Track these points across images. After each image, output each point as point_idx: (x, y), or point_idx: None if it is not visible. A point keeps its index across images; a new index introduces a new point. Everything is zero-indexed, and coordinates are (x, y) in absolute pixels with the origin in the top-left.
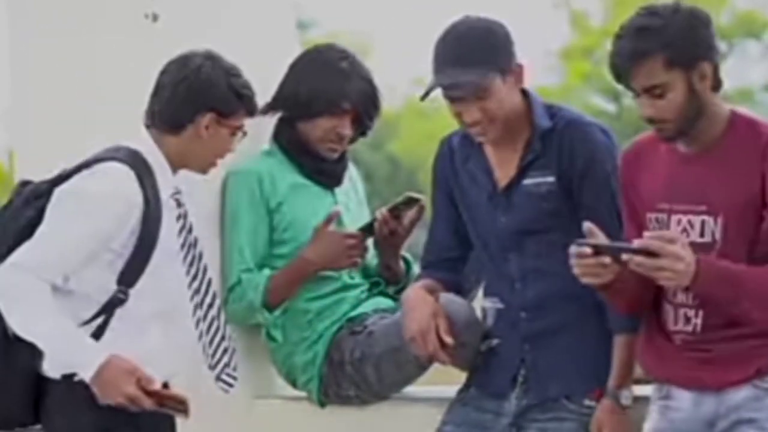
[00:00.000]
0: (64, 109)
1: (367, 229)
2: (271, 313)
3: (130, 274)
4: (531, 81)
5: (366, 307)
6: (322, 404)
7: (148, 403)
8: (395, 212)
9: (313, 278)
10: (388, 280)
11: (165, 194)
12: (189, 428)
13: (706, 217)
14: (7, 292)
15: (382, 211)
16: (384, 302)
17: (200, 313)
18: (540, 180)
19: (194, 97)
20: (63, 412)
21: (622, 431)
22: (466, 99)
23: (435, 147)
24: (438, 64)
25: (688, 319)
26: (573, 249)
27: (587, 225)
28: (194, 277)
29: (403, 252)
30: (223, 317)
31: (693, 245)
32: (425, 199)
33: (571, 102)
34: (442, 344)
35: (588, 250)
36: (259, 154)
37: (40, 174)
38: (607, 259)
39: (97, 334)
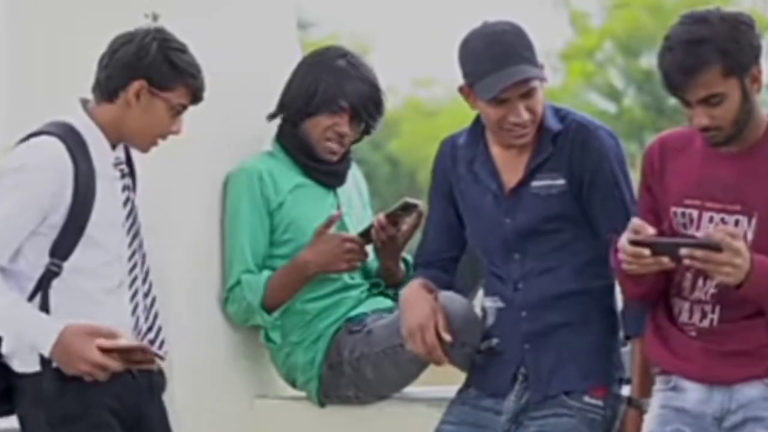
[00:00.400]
0: (63, 109)
1: (365, 235)
2: (270, 315)
3: (62, 246)
4: None
5: (365, 307)
6: (322, 404)
7: (115, 366)
8: (393, 218)
9: (313, 279)
10: (388, 283)
11: (102, 165)
12: (189, 428)
13: (740, 217)
14: None
15: (379, 218)
16: (383, 302)
17: (138, 286)
18: (549, 182)
19: (126, 64)
20: (33, 404)
21: None
22: (511, 100)
23: (435, 147)
24: (490, 64)
25: (704, 314)
26: (626, 245)
27: (635, 222)
28: (135, 251)
29: (404, 254)
30: (153, 293)
31: None
32: (423, 204)
33: (571, 102)
34: (441, 341)
35: (646, 251)
36: (259, 155)
37: None
38: (665, 259)
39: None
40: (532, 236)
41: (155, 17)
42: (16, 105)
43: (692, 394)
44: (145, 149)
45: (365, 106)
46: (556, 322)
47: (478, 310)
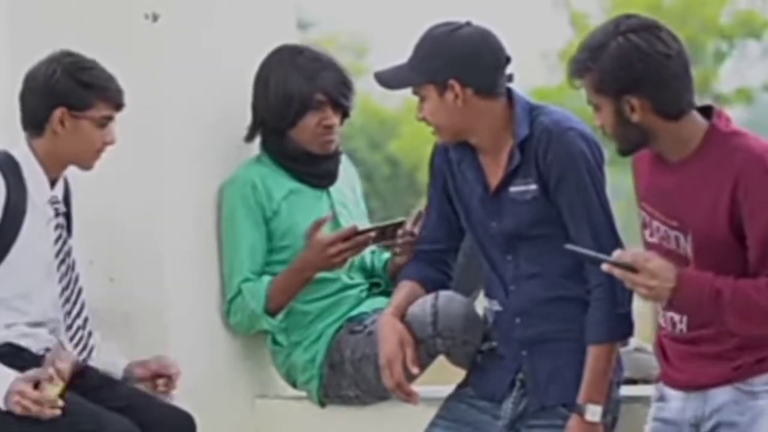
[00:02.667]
0: None
1: (381, 231)
2: (274, 318)
3: None
4: (531, 82)
5: (366, 307)
6: (322, 404)
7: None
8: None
9: (313, 281)
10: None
11: (36, 199)
12: None
13: (677, 233)
14: None
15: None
16: (384, 302)
17: (70, 322)
18: (523, 188)
19: (41, 97)
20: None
21: None
22: (418, 95)
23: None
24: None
25: (674, 324)
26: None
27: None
28: (65, 287)
29: None
30: (88, 327)
31: (671, 254)
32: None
33: (571, 102)
34: (409, 374)
35: None
36: (249, 161)
37: None
38: None
39: None
40: (518, 239)
41: (155, 17)
42: (17, 107)
43: (673, 402)
44: (89, 167)
45: (339, 90)
46: (550, 328)
47: (480, 310)
